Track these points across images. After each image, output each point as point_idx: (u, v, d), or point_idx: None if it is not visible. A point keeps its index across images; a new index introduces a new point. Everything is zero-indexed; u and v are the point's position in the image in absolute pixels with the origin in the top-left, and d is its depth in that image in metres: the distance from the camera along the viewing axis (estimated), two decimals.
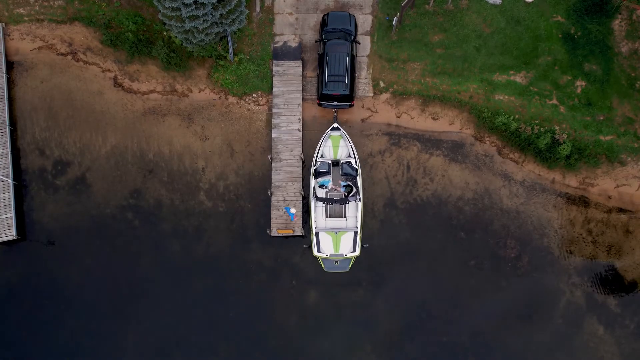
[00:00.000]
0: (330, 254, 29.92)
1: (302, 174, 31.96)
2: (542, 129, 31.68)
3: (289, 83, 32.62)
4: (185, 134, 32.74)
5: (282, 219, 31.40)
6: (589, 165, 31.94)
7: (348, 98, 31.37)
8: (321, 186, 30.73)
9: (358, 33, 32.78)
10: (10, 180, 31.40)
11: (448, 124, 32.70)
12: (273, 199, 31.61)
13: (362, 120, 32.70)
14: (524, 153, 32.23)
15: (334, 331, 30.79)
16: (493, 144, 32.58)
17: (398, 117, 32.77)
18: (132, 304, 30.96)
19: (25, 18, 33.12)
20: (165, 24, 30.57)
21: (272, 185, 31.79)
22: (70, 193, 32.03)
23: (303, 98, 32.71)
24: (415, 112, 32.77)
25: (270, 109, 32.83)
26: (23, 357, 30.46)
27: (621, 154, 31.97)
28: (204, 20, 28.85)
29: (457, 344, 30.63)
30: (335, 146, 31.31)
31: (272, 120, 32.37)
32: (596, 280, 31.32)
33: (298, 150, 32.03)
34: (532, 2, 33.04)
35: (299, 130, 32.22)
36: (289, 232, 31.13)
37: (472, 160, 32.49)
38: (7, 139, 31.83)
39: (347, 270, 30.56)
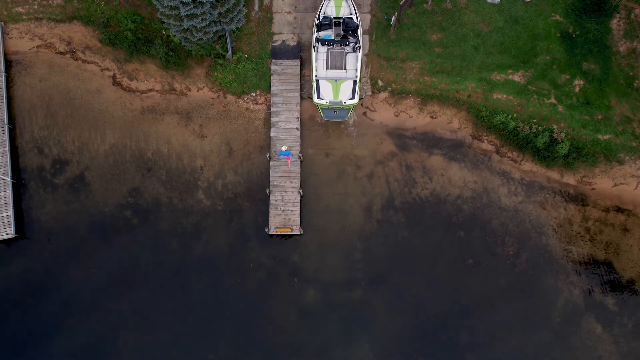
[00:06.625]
0: (329, 101, 30.44)
1: (301, 173, 32.00)
2: (540, 128, 31.71)
3: (287, 82, 32.65)
4: (184, 132, 32.76)
5: (281, 218, 31.42)
6: (587, 164, 31.97)
7: None
8: (323, 42, 31.12)
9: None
10: (9, 179, 31.43)
11: (446, 122, 32.73)
12: (271, 197, 31.63)
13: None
14: (522, 152, 32.25)
15: (332, 330, 30.78)
16: (491, 143, 32.60)
17: (396, 115, 32.80)
18: (130, 303, 30.96)
19: (24, 17, 33.15)
20: (163, 22, 30.60)
21: (271, 183, 31.82)
22: (69, 191, 32.06)
23: (301, 97, 32.74)
24: (413, 111, 32.79)
25: (268, 108, 32.85)
26: (21, 356, 30.46)
27: (619, 153, 32.00)
28: (202, 19, 28.90)
29: (456, 342, 30.64)
30: (338, 7, 31.95)
31: (271, 119, 32.40)
32: (594, 279, 31.34)
33: (296, 149, 32.04)
34: (531, 1, 33.06)
35: (297, 129, 32.23)
36: (287, 231, 31.14)
37: (470, 159, 32.51)
38: (6, 137, 31.87)
39: (346, 119, 31.16)
